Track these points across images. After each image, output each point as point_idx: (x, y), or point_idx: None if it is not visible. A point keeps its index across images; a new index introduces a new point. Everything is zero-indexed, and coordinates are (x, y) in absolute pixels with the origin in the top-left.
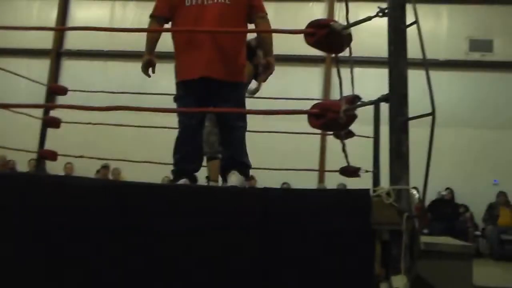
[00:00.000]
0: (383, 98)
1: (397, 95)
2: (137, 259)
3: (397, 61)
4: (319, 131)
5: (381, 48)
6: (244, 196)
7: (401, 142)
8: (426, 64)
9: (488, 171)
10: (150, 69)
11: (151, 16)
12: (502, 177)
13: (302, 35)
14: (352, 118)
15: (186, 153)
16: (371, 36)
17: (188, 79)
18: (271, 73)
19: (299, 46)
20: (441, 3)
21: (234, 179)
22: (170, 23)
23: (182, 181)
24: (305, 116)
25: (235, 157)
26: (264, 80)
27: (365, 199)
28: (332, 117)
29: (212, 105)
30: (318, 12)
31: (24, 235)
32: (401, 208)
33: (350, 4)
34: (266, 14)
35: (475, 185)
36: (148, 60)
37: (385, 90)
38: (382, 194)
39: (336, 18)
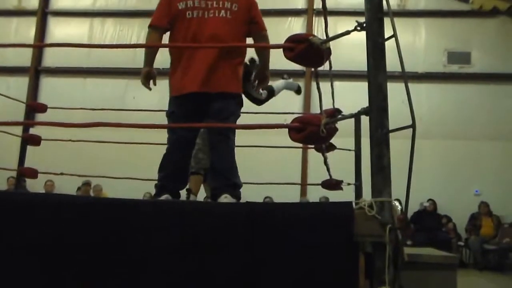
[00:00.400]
0: (363, 111)
1: (377, 108)
2: (119, 277)
3: (376, 74)
4: (300, 144)
5: (360, 62)
6: (229, 211)
7: (382, 155)
8: (405, 76)
9: (469, 182)
10: (151, 82)
11: (150, 26)
12: (483, 187)
13: (281, 50)
14: (333, 131)
15: (172, 172)
16: (350, 50)
17: (182, 94)
18: (265, 86)
19: (279, 60)
20: (418, 17)
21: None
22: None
23: (164, 196)
24: (286, 130)
25: (226, 176)
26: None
27: (348, 211)
28: (313, 131)
29: (206, 121)
30: (297, 27)
31: (4, 251)
32: (384, 220)
33: (329, 19)
34: (266, 31)
35: (457, 195)
36: (148, 72)
37: (365, 103)
38: (364, 206)
39: (315, 33)
